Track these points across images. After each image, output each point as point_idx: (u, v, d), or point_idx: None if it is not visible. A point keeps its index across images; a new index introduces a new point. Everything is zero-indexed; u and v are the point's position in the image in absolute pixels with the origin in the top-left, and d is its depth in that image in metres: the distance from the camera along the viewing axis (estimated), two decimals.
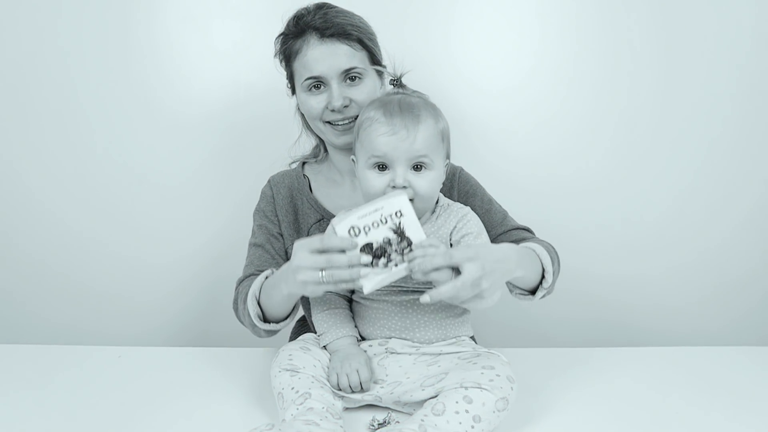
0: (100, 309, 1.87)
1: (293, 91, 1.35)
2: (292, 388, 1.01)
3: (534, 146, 1.79)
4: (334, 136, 1.30)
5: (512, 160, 1.79)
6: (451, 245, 1.11)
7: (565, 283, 1.83)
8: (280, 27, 1.34)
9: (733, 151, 1.78)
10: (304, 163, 1.43)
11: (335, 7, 1.29)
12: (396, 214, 0.98)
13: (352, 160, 1.17)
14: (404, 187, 1.05)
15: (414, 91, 1.16)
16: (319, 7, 1.28)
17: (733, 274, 1.83)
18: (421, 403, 0.99)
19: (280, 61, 1.33)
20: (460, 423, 0.91)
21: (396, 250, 0.97)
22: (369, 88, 1.28)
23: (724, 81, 1.74)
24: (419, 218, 1.01)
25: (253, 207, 1.41)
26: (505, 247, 1.07)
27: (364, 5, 1.33)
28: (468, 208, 1.16)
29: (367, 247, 0.97)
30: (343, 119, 1.27)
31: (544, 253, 1.17)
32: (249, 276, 1.28)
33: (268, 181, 1.41)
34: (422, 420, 0.91)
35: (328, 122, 1.29)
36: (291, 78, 1.33)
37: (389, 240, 0.97)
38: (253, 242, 1.35)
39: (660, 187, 1.80)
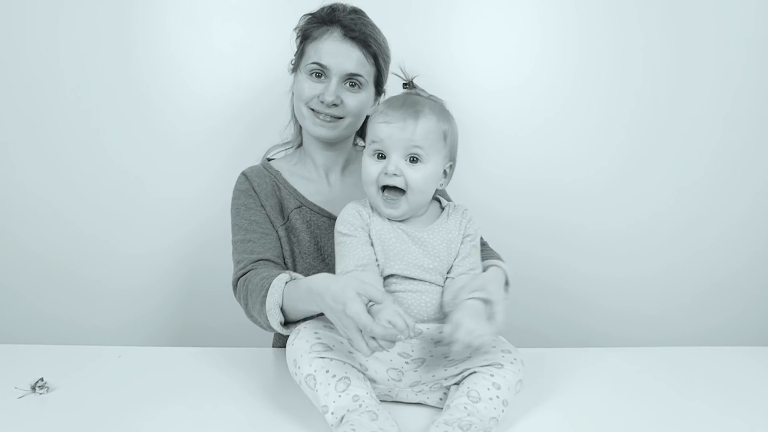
0: (96, 302, 1.86)
1: (294, 68, 1.38)
2: (327, 371, 0.97)
3: (532, 150, 1.80)
4: (312, 124, 1.33)
5: (511, 163, 1.80)
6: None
7: (563, 283, 1.86)
8: (279, 27, 1.36)
9: (730, 151, 1.80)
10: (270, 160, 1.45)
11: (368, 18, 1.35)
12: None
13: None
14: (395, 174, 1.07)
15: (424, 91, 1.17)
16: (355, 10, 1.34)
17: (729, 273, 1.84)
18: (440, 384, 1.04)
19: (297, 36, 1.36)
20: (495, 408, 0.97)
21: None
22: (362, 98, 1.33)
23: (725, 84, 1.76)
24: (417, 216, 1.13)
25: None
26: (495, 272, 1.18)
27: (366, 4, 1.35)
28: (466, 207, 1.20)
29: None
30: (326, 115, 1.31)
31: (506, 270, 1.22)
32: (248, 272, 1.22)
33: (244, 174, 1.38)
34: (465, 407, 0.96)
35: (312, 109, 1.32)
36: (299, 56, 1.36)
37: None
38: (242, 238, 1.29)
39: (656, 189, 1.81)
